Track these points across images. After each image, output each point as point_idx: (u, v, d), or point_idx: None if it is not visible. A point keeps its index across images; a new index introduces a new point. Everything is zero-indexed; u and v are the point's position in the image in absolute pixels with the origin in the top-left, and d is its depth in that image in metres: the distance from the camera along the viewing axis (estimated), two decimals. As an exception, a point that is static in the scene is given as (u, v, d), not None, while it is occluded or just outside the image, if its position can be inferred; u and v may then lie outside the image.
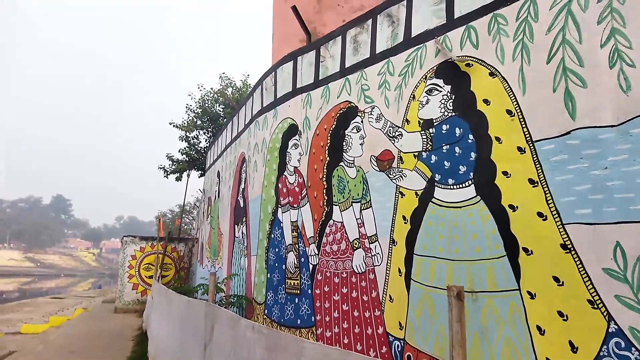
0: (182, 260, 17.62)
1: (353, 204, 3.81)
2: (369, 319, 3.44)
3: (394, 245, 3.32)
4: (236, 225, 6.45)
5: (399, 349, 3.12)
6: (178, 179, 20.88)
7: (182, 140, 20.92)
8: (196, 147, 20.63)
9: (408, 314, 3.10)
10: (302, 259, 4.34)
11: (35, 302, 20.14)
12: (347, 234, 3.82)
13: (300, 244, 4.40)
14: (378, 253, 3.46)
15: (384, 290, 3.35)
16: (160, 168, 20.83)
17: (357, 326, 3.54)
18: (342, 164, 3.99)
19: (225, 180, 7.68)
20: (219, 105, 20.46)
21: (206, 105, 20.28)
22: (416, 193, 3.18)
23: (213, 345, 4.01)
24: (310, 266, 4.20)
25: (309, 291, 4.17)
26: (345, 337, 3.62)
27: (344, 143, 3.99)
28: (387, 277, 3.34)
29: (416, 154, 3.24)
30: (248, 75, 21.46)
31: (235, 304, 5.36)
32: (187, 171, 20.53)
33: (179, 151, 20.88)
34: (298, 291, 4.33)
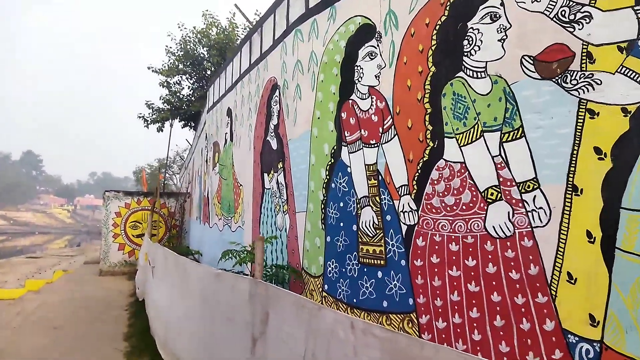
0: (173, 218, 16.91)
1: (484, 133, 2.68)
2: (524, 308, 2.43)
3: (577, 195, 2.24)
4: (266, 174, 5.33)
5: (591, 356, 2.12)
6: (159, 129, 20.19)
7: (163, 87, 19.88)
8: (178, 94, 19.83)
9: (610, 303, 2.07)
10: (388, 217, 3.27)
11: (9, 263, 19.32)
12: (472, 180, 2.72)
13: (383, 196, 3.31)
14: (540, 207, 2.39)
15: (555, 265, 2.31)
16: (140, 117, 19.94)
17: (498, 317, 2.53)
18: (461, 74, 2.82)
19: (243, 119, 6.47)
20: (202, 47, 19.31)
21: (188, 47, 19.09)
22: (624, 109, 2.07)
23: (269, 341, 3.00)
24: (404, 227, 3.13)
25: (402, 262, 3.13)
26: (477, 332, 2.62)
27: (466, 42, 2.79)
28: (561, 245, 2.30)
29: (624, 45, 2.09)
30: (234, 13, 19.91)
31: (273, 277, 4.33)
32: (170, 120, 19.82)
33: (160, 99, 19.79)
34: (382, 261, 3.29)
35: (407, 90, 3.22)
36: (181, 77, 19.91)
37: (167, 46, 19.50)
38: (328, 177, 3.93)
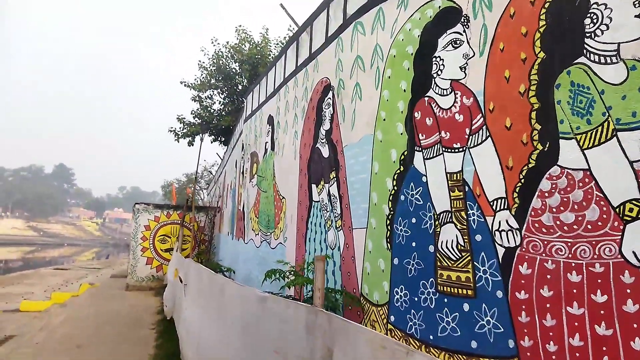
0: (202, 232, 16.81)
1: (618, 132, 2.14)
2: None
3: None
4: (314, 185, 4.88)
5: None
6: (190, 143, 20.59)
7: (195, 101, 20.32)
8: (209, 108, 20.28)
9: None
10: (478, 237, 2.74)
11: (38, 274, 19.61)
12: (602, 192, 2.18)
13: (471, 211, 2.78)
14: None
15: None
16: (171, 131, 20.40)
17: (651, 373, 1.93)
18: (582, 60, 2.30)
19: (287, 126, 6.09)
20: (234, 62, 19.71)
21: (220, 62, 19.58)
22: None
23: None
24: (500, 250, 2.60)
25: (498, 293, 2.58)
26: (616, 391, 2.02)
27: (589, 20, 2.28)
28: None
29: None
30: (267, 29, 20.23)
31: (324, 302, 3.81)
32: (201, 135, 19.87)
33: (191, 113, 20.29)
34: (469, 291, 2.75)
35: (504, 83, 2.71)
36: (213, 91, 20.40)
37: (199, 61, 20.11)
38: (396, 187, 3.43)
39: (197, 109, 20.11)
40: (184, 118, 20.01)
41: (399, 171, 3.42)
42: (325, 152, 4.69)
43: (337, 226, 4.26)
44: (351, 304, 3.76)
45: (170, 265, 12.38)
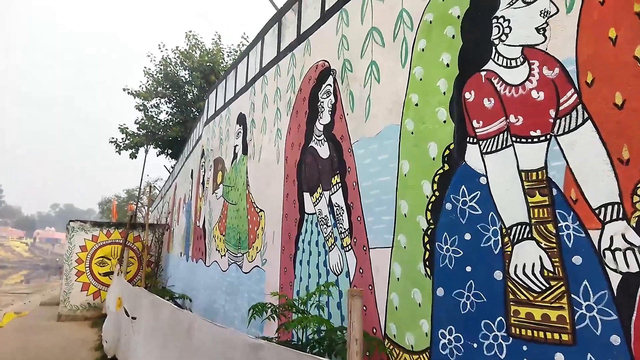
0: (148, 253, 15.56)
1: None
2: None
3: None
4: (308, 194, 4.04)
5: None
6: (133, 155, 19.65)
7: (139, 110, 19.65)
8: (155, 118, 19.55)
9: None
10: (576, 259, 2.03)
11: (-44, 300, 17.32)
12: None
13: (563, 223, 2.07)
14: None
15: None
16: (112, 142, 19.41)
17: None
18: None
19: (264, 124, 5.25)
20: (184, 70, 19.17)
21: (169, 69, 19.03)
22: None
23: None
24: (614, 276, 1.90)
25: (614, 339, 1.86)
26: None
27: None
28: None
29: None
30: (219, 36, 19.79)
31: (320, 344, 2.95)
32: (145, 146, 19.08)
33: (135, 123, 19.53)
34: (565, 336, 2.02)
35: (608, 46, 2.04)
36: (159, 100, 19.64)
37: (145, 67, 19.33)
38: (437, 193, 2.67)
39: (142, 119, 19.26)
40: (127, 128, 19.05)
41: (441, 171, 2.67)
42: (323, 151, 3.88)
43: (344, 245, 3.43)
44: (369, 349, 2.92)
45: (110, 292, 11.14)
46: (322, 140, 3.93)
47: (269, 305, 3.21)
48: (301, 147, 4.33)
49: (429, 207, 2.72)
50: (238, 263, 5.72)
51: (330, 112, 3.85)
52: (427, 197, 2.73)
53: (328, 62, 4.01)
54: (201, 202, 8.31)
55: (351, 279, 3.32)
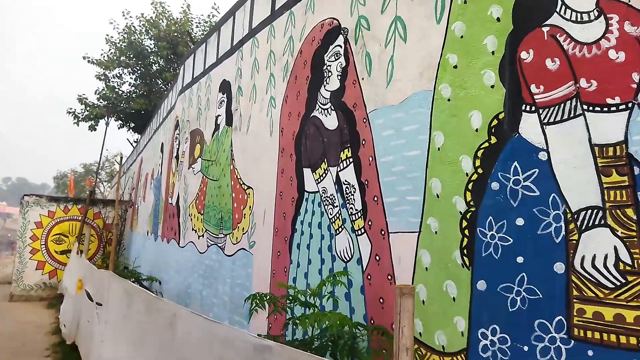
0: (109, 231, 14.99)
1: None
2: None
3: None
4: (309, 170, 3.64)
5: None
6: (92, 127, 19.04)
7: (100, 80, 18.88)
8: (117, 89, 18.85)
9: None
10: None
11: None
12: None
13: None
14: None
15: None
16: (70, 112, 18.64)
17: None
18: None
19: (254, 92, 4.79)
20: (149, 39, 18.52)
21: (133, 38, 18.33)
22: None
23: None
24: None
25: None
26: None
27: None
28: None
29: None
30: (188, 5, 19.03)
31: (329, 343, 2.59)
32: (106, 118, 18.41)
33: (95, 93, 18.72)
34: (649, 342, 1.71)
35: None
36: (122, 70, 18.84)
37: (107, 35, 18.42)
38: (481, 170, 2.31)
39: (103, 89, 18.43)
40: (86, 98, 18.19)
41: (486, 145, 2.31)
42: (329, 122, 3.46)
43: (355, 228, 3.05)
44: (387, 347, 2.58)
45: (67, 271, 10.54)
46: (329, 109, 3.50)
47: (269, 296, 2.81)
48: (301, 117, 3.89)
49: (469, 187, 2.37)
50: (219, 245, 5.27)
51: (339, 77, 3.42)
52: (467, 174, 2.38)
53: (337, 20, 3.56)
54: (174, 177, 7.74)
55: (364, 267, 2.95)
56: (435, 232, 2.50)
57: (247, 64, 5.17)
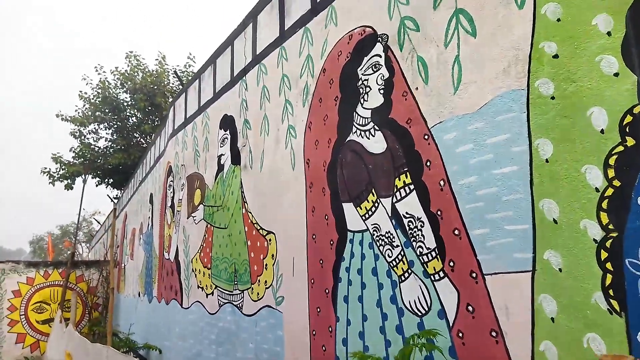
0: (95, 294, 14.17)
1: None
2: None
3: None
4: (351, 205, 3.09)
5: None
6: (69, 186, 18.49)
7: (75, 137, 18.61)
8: (93, 146, 18.63)
9: None
10: None
11: None
12: None
13: None
14: None
15: None
16: (44, 172, 18.38)
17: None
18: None
19: (266, 124, 4.32)
20: (125, 92, 18.44)
21: (107, 92, 18.21)
22: None
23: None
24: None
25: None
26: None
27: None
28: None
29: None
30: (164, 56, 19.19)
31: None
32: (83, 176, 17.82)
33: (70, 150, 18.41)
34: None
35: None
36: (98, 125, 18.87)
37: (81, 91, 18.36)
38: (618, 182, 1.80)
39: (78, 146, 18.11)
40: (61, 157, 17.84)
41: (620, 149, 1.81)
42: (374, 145, 2.94)
43: (431, 271, 2.47)
44: None
45: (52, 343, 9.65)
46: (371, 130, 2.99)
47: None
48: (332, 144, 3.37)
49: (604, 206, 1.83)
50: (234, 303, 4.59)
51: (382, 91, 2.93)
52: (597, 190, 1.85)
53: (371, 27, 3.10)
54: (170, 229, 7.07)
55: (451, 322, 2.35)
56: (560, 270, 1.94)
57: (253, 93, 4.68)
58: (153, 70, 18.58)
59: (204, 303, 5.40)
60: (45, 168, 18.11)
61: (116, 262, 13.99)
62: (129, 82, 17.97)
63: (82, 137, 18.53)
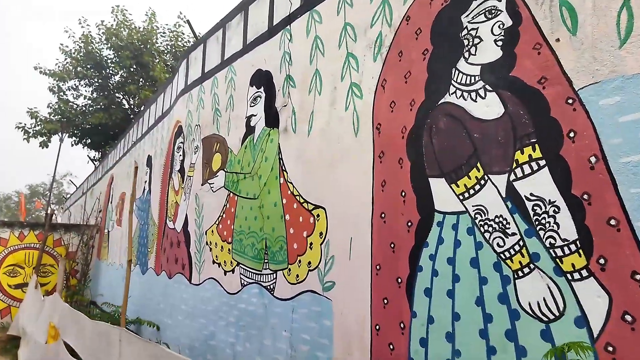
0: (74, 260, 13.80)
1: None
2: None
3: None
4: (451, 182, 2.64)
5: None
6: (44, 144, 18.06)
7: (53, 93, 18.27)
8: (71, 103, 18.30)
9: None
10: None
11: None
12: None
13: None
14: None
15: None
16: (19, 127, 17.74)
17: None
18: None
19: (318, 81, 3.83)
20: (108, 48, 17.89)
21: (90, 47, 17.76)
22: None
23: None
24: None
25: None
26: None
27: None
28: None
29: None
30: (153, 13, 18.52)
31: None
32: (60, 134, 17.61)
33: (47, 106, 18.07)
34: None
35: None
36: (79, 81, 18.47)
37: (62, 44, 17.74)
38: None
39: (56, 102, 17.66)
40: (38, 112, 17.37)
41: None
42: (484, 109, 2.46)
43: (567, 268, 2.03)
44: None
45: (24, 310, 9.21)
46: (480, 91, 2.51)
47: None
48: (416, 107, 2.88)
49: None
50: (264, 284, 4.13)
51: (500, 42, 2.44)
52: None
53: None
54: (178, 196, 6.52)
55: (596, 333, 1.93)
56: None
57: (300, 45, 4.14)
58: (140, 27, 18.06)
59: (220, 281, 4.92)
60: (21, 123, 17.61)
61: (99, 227, 13.45)
62: (114, 38, 17.43)
63: (61, 93, 18.24)
